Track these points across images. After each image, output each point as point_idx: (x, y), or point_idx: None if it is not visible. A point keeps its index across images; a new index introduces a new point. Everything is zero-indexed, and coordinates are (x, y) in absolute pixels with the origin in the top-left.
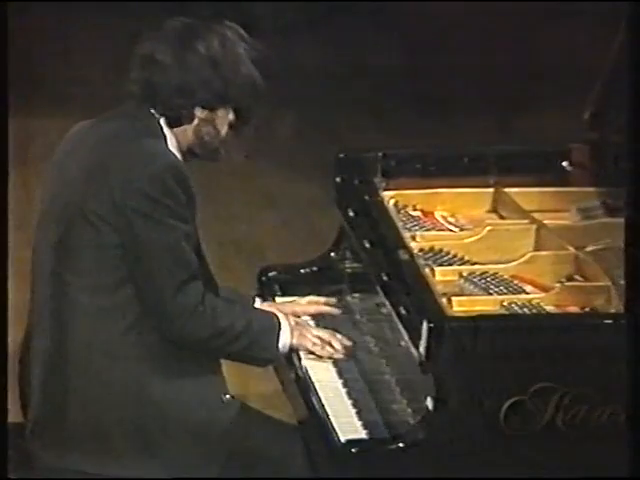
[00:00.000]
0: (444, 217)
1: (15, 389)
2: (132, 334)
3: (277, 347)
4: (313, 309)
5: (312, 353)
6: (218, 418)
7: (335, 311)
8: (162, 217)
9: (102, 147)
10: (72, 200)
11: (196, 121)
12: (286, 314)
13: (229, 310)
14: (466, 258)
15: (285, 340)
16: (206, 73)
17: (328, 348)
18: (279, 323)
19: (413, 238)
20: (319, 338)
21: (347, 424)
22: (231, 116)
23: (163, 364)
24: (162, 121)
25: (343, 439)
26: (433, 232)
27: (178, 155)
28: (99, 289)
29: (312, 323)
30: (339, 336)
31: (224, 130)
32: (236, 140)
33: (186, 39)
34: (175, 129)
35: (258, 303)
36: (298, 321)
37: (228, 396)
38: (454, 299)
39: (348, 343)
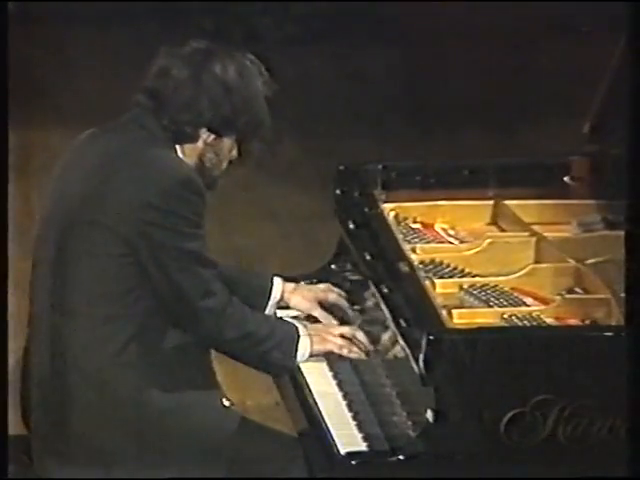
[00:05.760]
0: (444, 229)
1: (16, 400)
2: (133, 345)
3: (295, 356)
4: (333, 297)
5: (340, 355)
6: (220, 425)
7: (346, 304)
8: (182, 228)
9: (111, 158)
10: (77, 210)
11: (201, 144)
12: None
13: (255, 315)
14: (466, 270)
15: (304, 349)
16: (217, 95)
17: (356, 340)
18: (298, 333)
19: (413, 250)
20: (342, 336)
21: (347, 436)
22: (234, 152)
23: (164, 373)
24: (167, 135)
25: (343, 451)
26: (433, 244)
27: (189, 161)
28: (102, 299)
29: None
30: (360, 332)
31: (225, 163)
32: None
33: (205, 60)
34: (179, 146)
35: (279, 282)
36: (318, 327)
37: (227, 402)
38: (454, 311)
39: (366, 339)
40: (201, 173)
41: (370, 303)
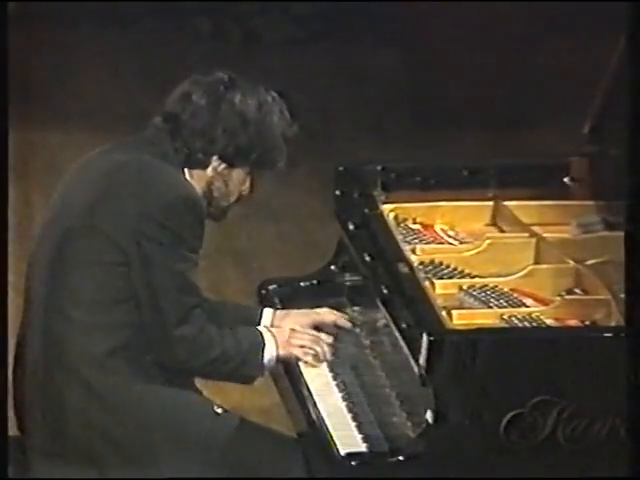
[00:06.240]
0: (444, 230)
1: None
2: (119, 355)
3: (262, 363)
4: (331, 319)
5: (305, 361)
6: (214, 430)
7: (349, 325)
8: (176, 247)
9: (118, 168)
10: (79, 214)
11: (211, 172)
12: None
13: (222, 334)
14: (466, 271)
15: (270, 354)
16: (233, 126)
17: (320, 347)
18: (263, 341)
19: (413, 251)
20: (308, 340)
21: (347, 437)
22: (246, 186)
23: (154, 379)
24: (179, 157)
25: (343, 452)
26: (433, 245)
27: (197, 187)
28: (94, 306)
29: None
30: (323, 336)
31: (234, 195)
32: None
33: (226, 90)
34: (188, 170)
35: (269, 313)
36: (282, 331)
37: (219, 409)
38: (454, 312)
39: (330, 341)
40: (208, 201)
41: (370, 305)
